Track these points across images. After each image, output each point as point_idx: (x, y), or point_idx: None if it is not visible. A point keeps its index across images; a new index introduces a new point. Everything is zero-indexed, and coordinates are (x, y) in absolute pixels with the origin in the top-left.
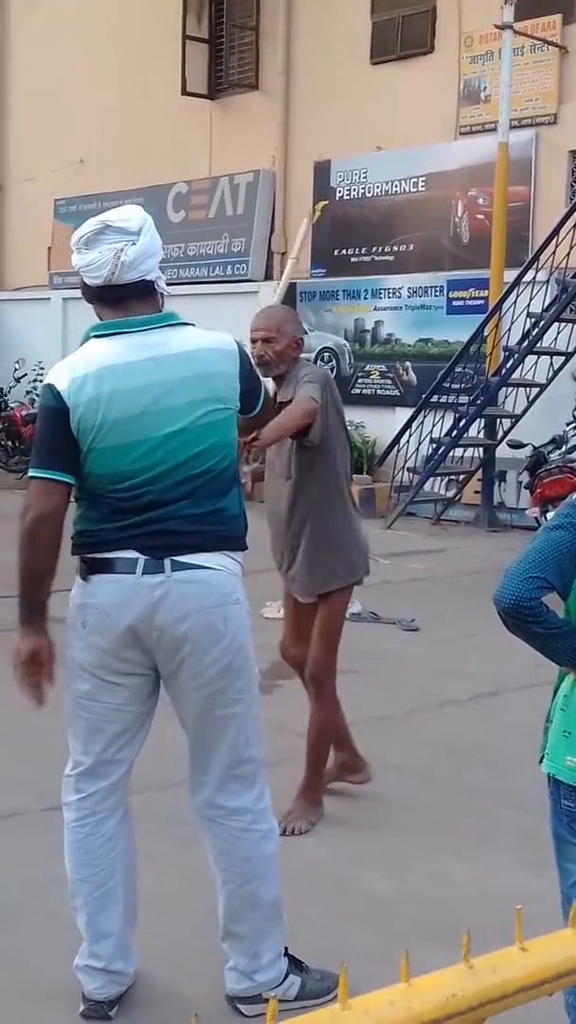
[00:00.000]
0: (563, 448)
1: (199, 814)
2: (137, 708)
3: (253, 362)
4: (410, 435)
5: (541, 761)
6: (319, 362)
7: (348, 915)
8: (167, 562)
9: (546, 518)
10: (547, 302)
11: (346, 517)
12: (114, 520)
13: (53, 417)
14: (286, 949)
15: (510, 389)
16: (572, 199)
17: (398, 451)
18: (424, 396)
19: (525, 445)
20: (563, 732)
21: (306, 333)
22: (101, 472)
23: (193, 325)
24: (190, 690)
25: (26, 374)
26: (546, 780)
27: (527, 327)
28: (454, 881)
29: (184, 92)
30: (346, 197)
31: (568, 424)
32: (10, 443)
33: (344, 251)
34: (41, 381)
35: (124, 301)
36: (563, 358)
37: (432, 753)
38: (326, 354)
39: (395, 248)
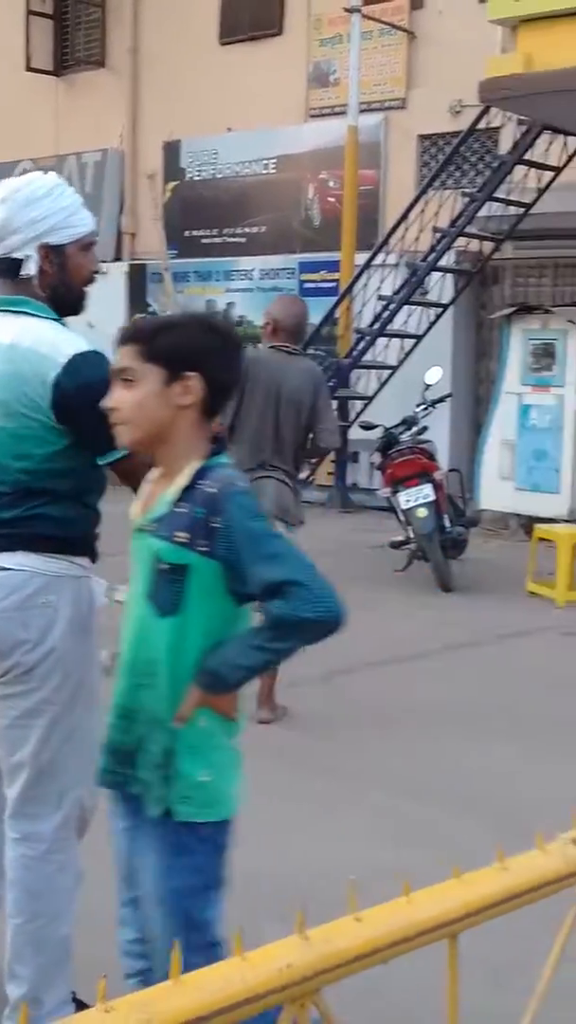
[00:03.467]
0: (413, 429)
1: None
2: None
3: (95, 388)
4: None
5: (155, 809)
6: None
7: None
8: None
9: (396, 498)
10: (397, 285)
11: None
12: None
13: None
14: (74, 994)
15: (362, 371)
16: (421, 183)
17: None
18: None
19: (376, 426)
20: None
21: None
22: None
23: (52, 320)
24: None
25: None
26: (230, 822)
27: (378, 310)
28: (302, 856)
29: (28, 68)
30: (196, 177)
31: (417, 405)
32: None
33: (195, 232)
34: None
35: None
36: (413, 340)
37: (281, 730)
38: None
39: (247, 230)
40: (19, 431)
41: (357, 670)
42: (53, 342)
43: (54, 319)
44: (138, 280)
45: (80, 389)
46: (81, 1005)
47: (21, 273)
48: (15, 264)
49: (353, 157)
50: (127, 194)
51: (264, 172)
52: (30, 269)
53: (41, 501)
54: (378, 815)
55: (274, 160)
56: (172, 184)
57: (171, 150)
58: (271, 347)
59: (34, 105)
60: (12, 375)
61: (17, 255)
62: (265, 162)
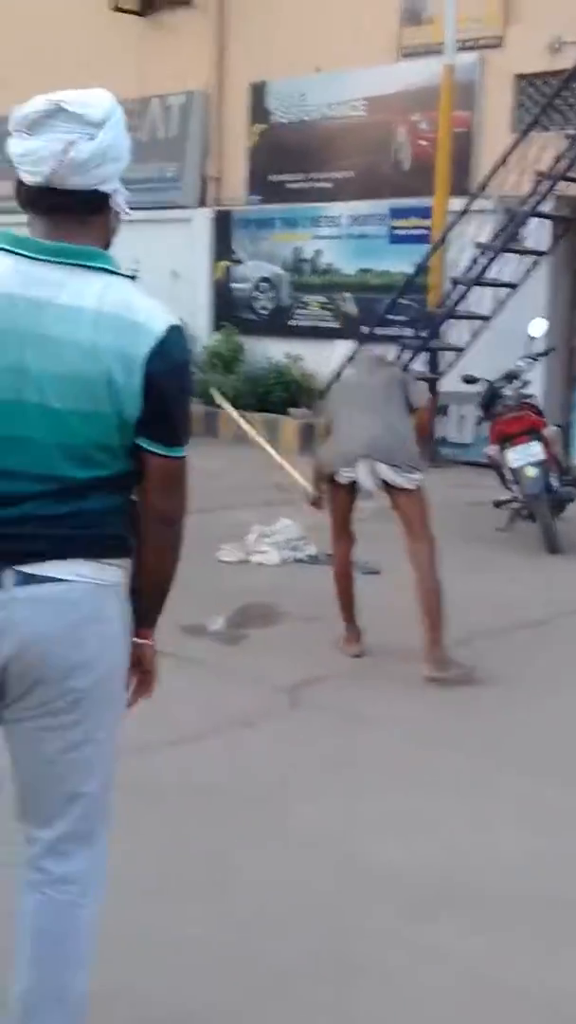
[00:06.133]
0: (515, 383)
1: (26, 874)
2: None
3: (186, 372)
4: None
5: None
6: (256, 292)
7: (360, 888)
8: (8, 574)
9: (504, 456)
10: (489, 232)
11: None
12: None
13: None
14: None
15: (451, 322)
16: (516, 125)
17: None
18: (369, 329)
19: (479, 380)
20: None
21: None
22: None
23: (128, 278)
24: (28, 724)
25: None
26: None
27: (471, 257)
28: (462, 846)
29: (115, 8)
30: (283, 121)
31: (521, 358)
32: None
33: (281, 177)
34: None
35: (59, 214)
36: (508, 290)
37: (414, 704)
38: (263, 284)
39: (335, 175)
40: (97, 414)
41: (474, 639)
42: (143, 309)
43: (127, 276)
44: (223, 227)
45: (172, 372)
46: None
47: (119, 208)
48: (97, 198)
49: (448, 97)
50: (212, 138)
51: (353, 114)
52: (121, 206)
53: (104, 493)
54: (527, 801)
55: (364, 102)
56: (259, 127)
57: (257, 92)
58: None
59: (118, 46)
60: (104, 348)
61: (105, 188)
62: (354, 104)
